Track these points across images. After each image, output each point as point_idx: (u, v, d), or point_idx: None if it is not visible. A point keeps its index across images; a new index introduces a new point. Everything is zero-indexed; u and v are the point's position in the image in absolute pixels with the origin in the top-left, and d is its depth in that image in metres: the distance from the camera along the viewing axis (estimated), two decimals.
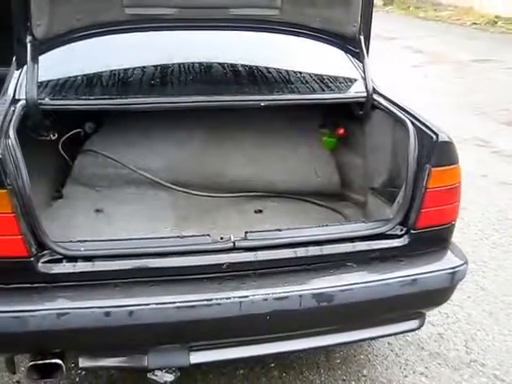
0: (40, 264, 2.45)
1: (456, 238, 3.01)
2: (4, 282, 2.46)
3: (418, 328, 2.96)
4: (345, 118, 3.58)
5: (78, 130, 3.54)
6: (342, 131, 3.68)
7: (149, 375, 2.81)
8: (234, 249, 2.59)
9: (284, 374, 3.31)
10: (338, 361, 3.43)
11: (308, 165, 3.68)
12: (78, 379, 3.21)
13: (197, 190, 3.51)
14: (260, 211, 3.45)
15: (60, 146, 3.45)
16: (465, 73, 10.94)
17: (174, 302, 2.48)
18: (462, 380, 3.32)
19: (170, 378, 2.78)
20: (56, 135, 3.18)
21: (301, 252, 2.64)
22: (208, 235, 2.65)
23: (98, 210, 3.31)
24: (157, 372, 2.80)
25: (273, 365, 3.36)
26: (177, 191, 3.49)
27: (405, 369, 3.40)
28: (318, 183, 3.64)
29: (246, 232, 2.68)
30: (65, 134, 3.43)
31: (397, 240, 2.72)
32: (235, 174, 3.63)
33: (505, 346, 3.60)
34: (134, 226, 3.18)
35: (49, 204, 3.32)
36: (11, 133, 2.51)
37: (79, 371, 3.23)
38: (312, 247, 2.66)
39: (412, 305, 2.82)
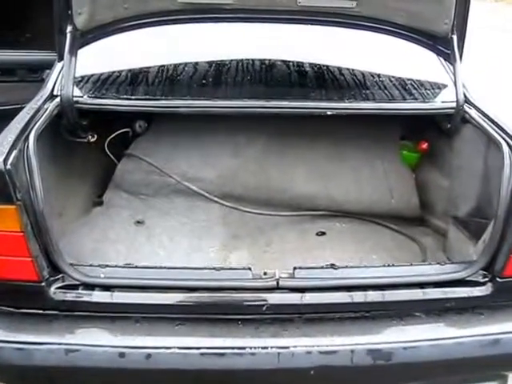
0: (52, 289, 2.18)
1: None
2: (14, 306, 2.21)
3: None
4: (430, 130, 3.06)
5: (126, 129, 3.21)
6: (425, 145, 3.15)
7: None
8: (277, 288, 2.20)
9: None
10: None
11: (383, 182, 3.18)
12: None
13: (251, 205, 3.10)
14: (323, 233, 3.00)
15: (106, 147, 3.15)
16: None
17: (199, 348, 2.14)
18: None
19: None
20: (95, 137, 2.86)
21: (358, 297, 2.23)
22: (249, 269, 2.29)
23: (138, 222, 2.99)
24: None
25: None
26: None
27: None
28: (394, 205, 3.13)
29: (295, 268, 2.28)
30: (108, 134, 3.11)
31: (478, 288, 2.30)
32: (297, 190, 3.18)
33: None
34: (176, 242, 2.86)
35: (87, 210, 3.04)
36: (31, 137, 2.22)
37: None
38: (372, 292, 2.24)
39: (491, 368, 2.37)
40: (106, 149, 3.16)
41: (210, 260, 2.74)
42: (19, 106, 2.98)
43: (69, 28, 2.61)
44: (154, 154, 3.17)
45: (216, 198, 3.05)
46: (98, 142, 3.04)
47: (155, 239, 2.85)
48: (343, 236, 2.96)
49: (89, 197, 3.11)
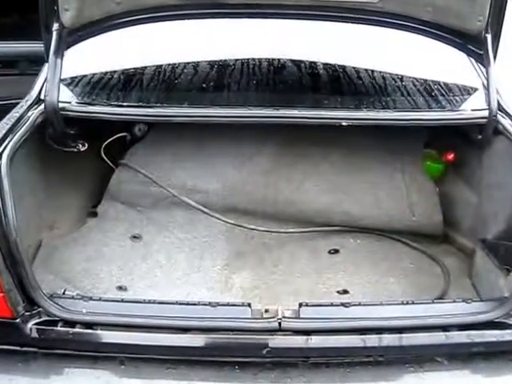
0: (29, 326, 1.99)
1: None
2: None
3: None
4: (458, 139, 2.74)
5: (124, 134, 2.93)
6: (451, 156, 2.85)
7: None
8: (279, 330, 1.95)
9: None
10: None
11: (403, 196, 2.88)
12: None
13: (258, 220, 2.84)
14: (336, 251, 2.73)
15: (102, 152, 2.89)
16: None
17: None
18: None
19: None
20: (86, 146, 2.60)
21: (371, 341, 1.98)
22: (249, 305, 2.03)
23: (134, 237, 2.73)
24: None
25: None
26: (232, 217, 2.83)
27: None
28: (415, 221, 2.83)
29: (300, 304, 2.03)
30: (103, 138, 2.84)
31: (509, 331, 2.04)
32: (308, 203, 2.89)
33: None
34: (174, 261, 2.62)
35: (81, 222, 2.81)
36: (4, 156, 2.02)
37: None
38: (388, 335, 1.99)
39: None
40: (103, 154, 2.90)
41: (211, 282, 2.51)
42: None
43: (55, 26, 2.36)
44: (151, 163, 2.91)
45: (218, 215, 2.77)
46: (93, 147, 2.80)
47: (152, 258, 2.61)
48: (358, 255, 2.69)
49: (83, 207, 2.88)
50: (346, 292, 2.43)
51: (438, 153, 2.94)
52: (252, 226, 2.76)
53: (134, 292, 2.40)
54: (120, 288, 2.41)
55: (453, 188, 2.88)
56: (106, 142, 2.87)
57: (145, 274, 2.52)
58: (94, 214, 2.86)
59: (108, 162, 2.94)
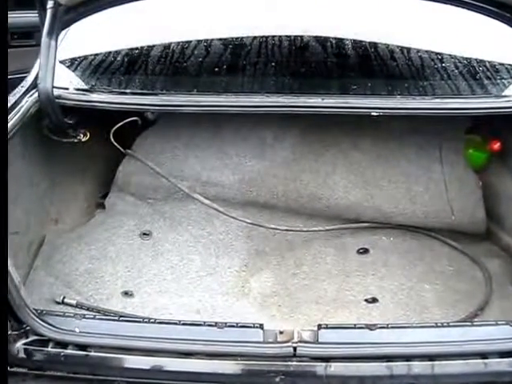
0: (17, 346, 1.82)
1: None
2: None
3: None
4: (504, 126, 2.43)
5: (134, 118, 2.68)
6: (497, 146, 2.54)
7: None
8: (294, 356, 1.74)
9: None
10: None
11: (442, 191, 2.58)
12: None
13: (280, 216, 2.60)
14: (365, 251, 2.47)
15: (112, 137, 2.64)
16: None
17: None
18: None
19: None
20: (88, 136, 2.37)
21: (399, 369, 1.74)
22: (261, 327, 1.81)
23: (144, 234, 2.51)
24: None
25: None
26: (252, 213, 2.58)
27: None
28: (455, 218, 2.54)
29: (320, 326, 1.80)
30: (110, 123, 2.59)
31: None
32: (335, 198, 2.62)
33: None
34: (187, 262, 2.40)
35: (89, 213, 2.62)
36: None
37: None
38: (418, 362, 1.75)
39: None
40: (112, 140, 2.64)
41: (226, 286, 2.29)
42: None
43: (50, 3, 2.13)
44: (162, 152, 2.66)
45: (234, 213, 2.51)
46: (100, 131, 2.57)
47: (162, 257, 2.40)
48: (390, 255, 2.42)
49: (91, 198, 2.68)
50: (375, 300, 2.19)
51: (482, 139, 2.62)
52: (272, 225, 2.50)
53: (140, 298, 2.20)
54: (125, 294, 2.21)
55: (496, 180, 2.57)
56: (114, 128, 2.63)
57: (154, 277, 2.31)
58: (103, 205, 2.66)
59: (119, 147, 2.70)
